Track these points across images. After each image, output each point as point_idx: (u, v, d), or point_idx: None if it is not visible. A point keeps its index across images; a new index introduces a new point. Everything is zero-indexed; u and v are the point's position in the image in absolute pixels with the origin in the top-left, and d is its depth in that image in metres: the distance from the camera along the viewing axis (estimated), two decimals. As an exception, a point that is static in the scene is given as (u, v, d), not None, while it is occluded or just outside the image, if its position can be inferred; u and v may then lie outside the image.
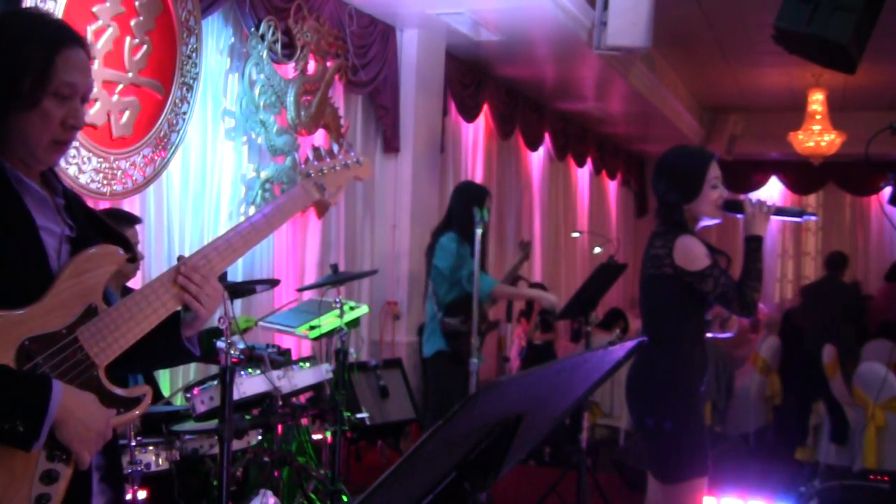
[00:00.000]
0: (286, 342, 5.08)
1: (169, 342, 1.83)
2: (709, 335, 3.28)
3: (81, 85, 1.69)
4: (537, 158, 10.29)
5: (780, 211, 3.14)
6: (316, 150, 2.10)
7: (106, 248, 1.74)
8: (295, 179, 5.51)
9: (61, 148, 1.71)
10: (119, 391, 1.71)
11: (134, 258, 1.84)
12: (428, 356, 4.84)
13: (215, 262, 1.83)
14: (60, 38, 1.70)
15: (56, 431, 1.56)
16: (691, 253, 3.01)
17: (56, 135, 1.67)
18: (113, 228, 1.84)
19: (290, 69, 5.48)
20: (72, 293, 1.66)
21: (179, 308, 1.80)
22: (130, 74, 4.25)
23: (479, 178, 8.70)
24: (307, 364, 3.96)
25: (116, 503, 1.81)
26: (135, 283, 3.68)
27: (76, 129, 1.70)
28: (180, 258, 1.81)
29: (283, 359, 3.99)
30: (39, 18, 1.80)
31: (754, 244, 3.03)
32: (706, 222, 3.15)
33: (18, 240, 1.63)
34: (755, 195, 3.47)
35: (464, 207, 4.77)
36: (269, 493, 3.43)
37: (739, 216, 3.10)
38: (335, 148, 2.13)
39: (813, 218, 3.31)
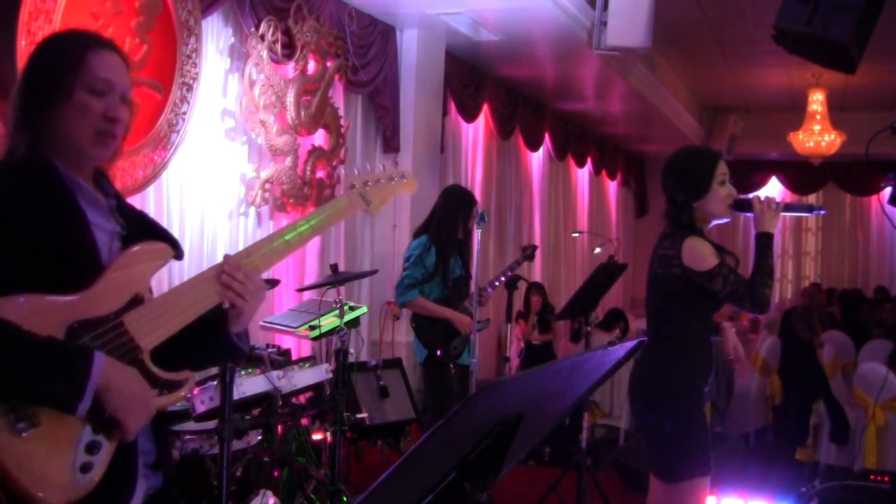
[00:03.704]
0: (286, 342, 5.08)
1: (217, 339, 1.92)
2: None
3: (116, 83, 1.80)
4: (537, 158, 10.29)
5: (789, 207, 3.14)
6: (365, 164, 2.17)
7: (154, 244, 1.86)
8: (294, 180, 5.51)
9: (106, 141, 1.80)
10: (162, 374, 1.79)
11: (180, 255, 1.92)
12: (421, 362, 4.87)
13: (258, 261, 1.91)
14: (92, 41, 1.83)
15: (101, 398, 1.64)
16: (699, 253, 3.01)
17: (98, 126, 1.78)
18: (162, 228, 1.97)
19: (290, 69, 5.48)
20: (119, 283, 1.77)
21: (221, 303, 1.87)
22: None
23: (479, 178, 8.70)
24: (307, 364, 3.96)
25: (163, 491, 1.88)
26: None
27: (117, 122, 1.80)
28: (226, 256, 1.90)
29: (283, 359, 3.99)
30: (75, 30, 1.98)
31: (764, 241, 3.04)
32: (716, 222, 3.15)
33: (72, 234, 1.75)
34: (763, 193, 3.47)
35: (445, 212, 4.78)
36: (269, 493, 3.43)
37: (749, 214, 3.10)
38: (383, 164, 2.18)
39: (822, 212, 3.31)
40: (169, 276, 4.38)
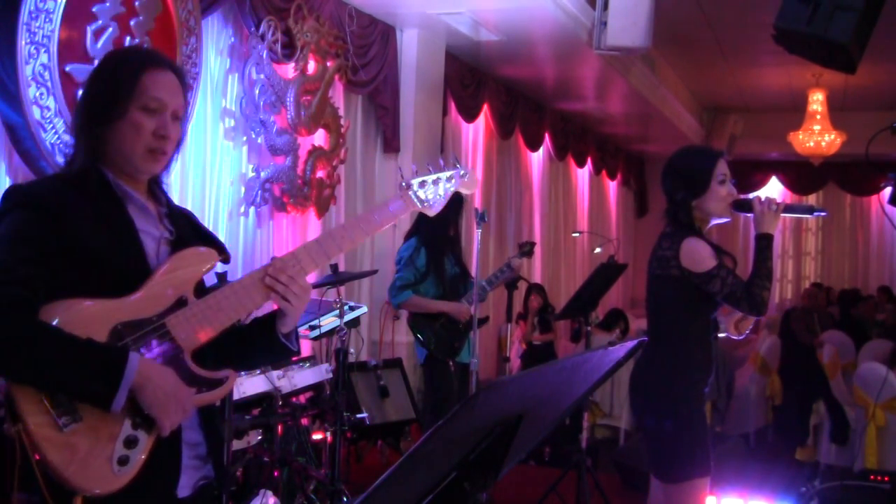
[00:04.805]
0: (286, 342, 5.07)
1: (267, 340, 1.99)
2: (722, 335, 3.27)
3: (170, 101, 1.90)
4: (537, 158, 10.28)
5: (789, 208, 3.14)
6: (422, 165, 2.19)
7: (200, 249, 1.95)
8: (294, 180, 5.51)
9: (157, 157, 1.90)
10: (202, 372, 1.87)
11: (227, 259, 2.00)
12: (421, 362, 4.89)
13: (305, 262, 1.97)
14: (148, 60, 1.93)
15: (137, 396, 1.74)
16: (697, 254, 3.01)
17: (149, 144, 1.88)
18: (210, 233, 2.07)
19: (290, 69, 5.48)
20: (165, 286, 1.86)
21: (267, 303, 1.94)
22: (130, 74, 4.25)
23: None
24: (307, 364, 3.96)
25: (210, 482, 1.96)
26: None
27: (167, 140, 1.90)
28: (273, 258, 1.97)
29: (283, 359, 3.99)
30: (134, 48, 2.17)
31: (764, 242, 3.03)
32: (716, 221, 3.14)
33: (120, 240, 1.86)
34: (763, 193, 3.47)
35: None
36: (269, 493, 3.43)
37: (749, 215, 3.10)
38: (441, 162, 2.19)
39: (823, 214, 3.31)
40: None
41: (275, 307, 1.97)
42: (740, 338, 3.41)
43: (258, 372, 3.64)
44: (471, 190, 2.25)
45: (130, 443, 1.76)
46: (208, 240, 2.02)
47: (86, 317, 1.76)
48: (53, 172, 2.13)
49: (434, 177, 2.13)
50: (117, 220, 1.87)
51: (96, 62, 3.90)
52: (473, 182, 2.22)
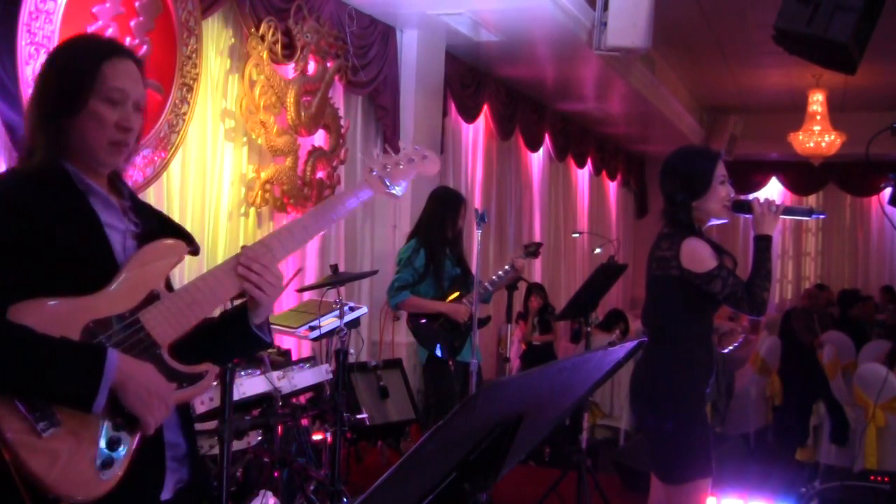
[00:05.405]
0: (286, 342, 5.08)
1: (240, 332, 1.94)
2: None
3: (131, 91, 1.83)
4: (537, 159, 10.28)
5: (788, 210, 3.14)
6: (384, 148, 2.16)
7: (168, 240, 1.88)
8: (294, 180, 5.51)
9: (120, 149, 1.84)
10: (181, 367, 1.81)
11: (196, 251, 1.94)
12: (423, 362, 4.89)
13: (277, 250, 1.92)
14: (109, 50, 1.86)
15: (118, 395, 1.68)
16: (697, 255, 3.00)
17: (112, 136, 1.81)
18: (177, 225, 2.00)
19: (290, 69, 5.48)
20: (135, 281, 1.80)
21: (239, 293, 1.89)
22: (130, 75, 4.25)
23: (479, 178, 8.70)
24: (307, 364, 3.96)
25: (191, 485, 1.90)
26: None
27: (129, 132, 1.83)
28: (243, 248, 1.92)
29: (283, 359, 3.99)
30: (92, 37, 2.04)
31: (763, 244, 3.03)
32: (713, 222, 3.15)
33: (85, 235, 1.79)
34: (762, 195, 3.47)
35: (433, 214, 4.88)
36: (269, 493, 3.42)
37: (748, 216, 3.10)
38: (403, 144, 2.19)
39: (822, 216, 3.32)
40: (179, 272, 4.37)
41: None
42: (725, 351, 3.42)
43: (258, 372, 3.64)
44: (433, 172, 2.23)
45: (113, 444, 1.69)
46: (176, 231, 1.96)
47: (56, 316, 1.68)
48: (9, 168, 2.05)
49: (396, 160, 2.13)
50: (81, 215, 1.80)
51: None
52: (436, 163, 2.21)
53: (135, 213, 1.90)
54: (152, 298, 1.80)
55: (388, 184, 2.10)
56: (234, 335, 1.96)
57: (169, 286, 1.89)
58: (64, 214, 1.76)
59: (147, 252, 1.83)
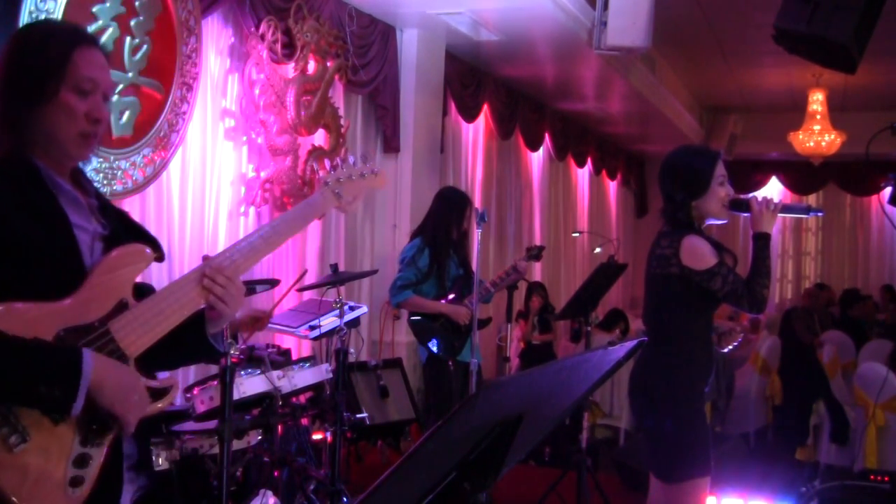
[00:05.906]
0: (286, 342, 5.08)
1: (195, 339, 1.90)
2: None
3: (101, 81, 1.79)
4: (537, 158, 10.28)
5: (786, 208, 3.15)
6: (337, 161, 2.18)
7: (135, 246, 1.83)
8: (294, 180, 5.51)
9: (89, 141, 1.78)
10: (149, 382, 1.77)
11: (161, 258, 1.89)
12: (423, 362, 4.90)
13: (239, 262, 1.90)
14: (77, 38, 1.79)
15: (96, 397, 1.63)
16: (698, 252, 3.00)
17: (82, 127, 1.75)
18: (143, 229, 1.94)
19: (290, 69, 5.48)
20: (104, 288, 1.74)
21: (205, 305, 1.86)
22: (130, 74, 4.25)
23: (479, 178, 8.70)
24: (307, 364, 3.96)
25: (147, 492, 1.88)
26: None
27: (100, 123, 1.78)
28: (205, 258, 1.88)
29: (283, 359, 3.99)
30: (57, 23, 2.00)
31: (762, 241, 3.04)
32: (712, 222, 3.15)
33: (53, 235, 1.72)
34: (762, 193, 3.47)
35: (438, 214, 4.87)
36: (269, 493, 3.42)
37: (746, 214, 3.10)
38: (352, 159, 2.19)
39: (820, 214, 3.32)
40: (169, 275, 4.37)
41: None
42: (725, 351, 3.42)
43: (258, 372, 3.64)
44: (380, 188, 2.25)
45: (81, 462, 1.64)
46: (140, 235, 1.89)
47: (26, 322, 1.62)
48: None
49: (348, 173, 2.13)
50: (49, 213, 1.72)
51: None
52: (383, 180, 2.22)
53: (101, 213, 1.84)
54: (121, 307, 1.75)
55: (342, 196, 2.10)
56: (189, 344, 1.91)
57: (135, 293, 1.83)
58: (32, 213, 1.69)
59: (114, 258, 1.77)
